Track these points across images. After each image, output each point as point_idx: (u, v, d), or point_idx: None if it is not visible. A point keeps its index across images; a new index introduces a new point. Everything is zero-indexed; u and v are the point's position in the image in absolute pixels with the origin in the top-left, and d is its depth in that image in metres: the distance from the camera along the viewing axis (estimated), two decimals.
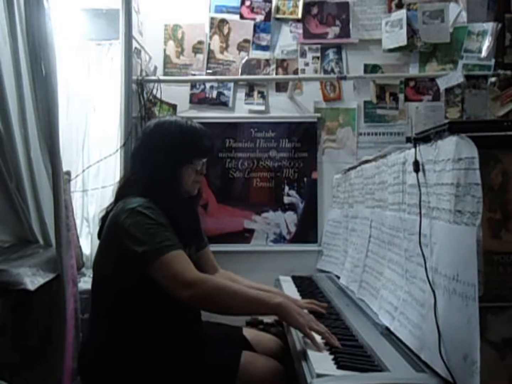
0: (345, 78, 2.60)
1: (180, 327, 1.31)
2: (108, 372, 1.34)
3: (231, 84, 2.72)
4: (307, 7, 2.70)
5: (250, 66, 2.72)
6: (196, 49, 2.73)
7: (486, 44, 2.53)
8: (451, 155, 1.03)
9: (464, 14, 2.59)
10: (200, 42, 2.73)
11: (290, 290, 2.00)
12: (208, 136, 1.53)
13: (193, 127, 1.50)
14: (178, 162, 1.45)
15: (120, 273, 1.33)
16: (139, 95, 2.55)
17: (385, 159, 1.58)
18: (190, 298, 1.27)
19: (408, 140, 1.30)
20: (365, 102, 2.69)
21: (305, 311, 1.44)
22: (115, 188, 1.59)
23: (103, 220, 1.45)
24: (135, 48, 2.47)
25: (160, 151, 1.44)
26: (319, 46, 2.71)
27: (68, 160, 2.40)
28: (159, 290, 1.29)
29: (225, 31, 2.72)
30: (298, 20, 2.71)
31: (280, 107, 2.72)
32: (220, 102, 2.72)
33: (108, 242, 1.38)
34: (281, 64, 2.73)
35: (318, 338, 1.26)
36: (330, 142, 2.71)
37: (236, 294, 1.30)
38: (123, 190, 1.47)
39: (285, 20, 2.73)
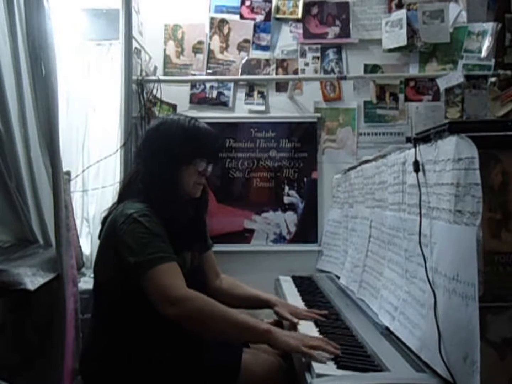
0: (345, 78, 2.60)
1: (181, 330, 1.30)
2: (110, 373, 1.33)
3: (231, 84, 2.72)
4: (307, 7, 2.70)
5: (250, 66, 2.72)
6: (196, 49, 2.73)
7: (486, 44, 2.53)
8: (451, 155, 1.03)
9: (464, 14, 2.59)
10: (200, 42, 2.73)
11: (290, 290, 2.00)
12: (214, 137, 1.49)
13: (195, 126, 1.46)
14: (177, 161, 1.42)
15: (119, 277, 1.32)
16: (139, 95, 2.55)
17: (385, 159, 1.58)
18: (175, 316, 1.22)
19: (408, 140, 1.30)
20: (365, 102, 2.69)
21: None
22: (119, 187, 1.57)
23: (105, 220, 1.43)
24: (135, 48, 2.47)
25: (161, 150, 1.41)
26: (319, 46, 2.71)
27: (68, 160, 2.40)
28: None
29: (225, 31, 2.72)
30: (298, 20, 2.71)
31: (280, 107, 2.72)
32: (220, 102, 2.72)
33: (107, 246, 1.37)
34: (281, 64, 2.73)
35: None
36: (330, 142, 2.71)
37: (223, 317, 1.25)
38: (125, 190, 1.46)
39: (285, 20, 2.73)
